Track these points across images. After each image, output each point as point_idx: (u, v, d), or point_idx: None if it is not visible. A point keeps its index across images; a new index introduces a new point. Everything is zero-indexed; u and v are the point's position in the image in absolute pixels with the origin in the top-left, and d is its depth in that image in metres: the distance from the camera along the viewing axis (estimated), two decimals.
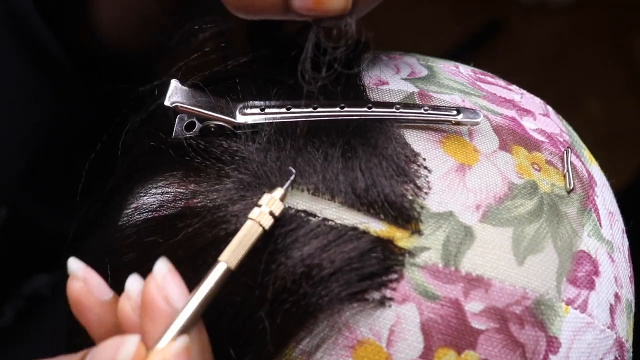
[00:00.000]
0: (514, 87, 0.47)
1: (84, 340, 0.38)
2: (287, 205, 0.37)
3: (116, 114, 0.44)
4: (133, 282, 0.34)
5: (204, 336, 0.34)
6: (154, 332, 0.33)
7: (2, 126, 0.54)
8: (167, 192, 0.40)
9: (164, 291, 0.33)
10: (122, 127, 0.44)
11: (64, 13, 0.54)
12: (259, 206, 0.35)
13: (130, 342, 0.32)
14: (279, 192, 0.36)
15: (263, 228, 0.35)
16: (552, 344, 0.37)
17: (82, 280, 0.35)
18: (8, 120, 0.54)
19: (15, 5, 0.52)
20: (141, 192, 0.42)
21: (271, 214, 0.35)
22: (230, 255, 0.33)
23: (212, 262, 0.34)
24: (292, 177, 0.37)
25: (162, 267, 0.34)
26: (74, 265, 0.36)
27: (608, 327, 0.39)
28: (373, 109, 0.40)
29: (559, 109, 0.48)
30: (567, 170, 0.42)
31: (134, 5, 0.53)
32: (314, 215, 0.37)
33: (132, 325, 0.34)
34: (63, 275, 0.37)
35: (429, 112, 0.40)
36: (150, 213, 0.40)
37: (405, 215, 0.37)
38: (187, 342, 0.32)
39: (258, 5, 0.36)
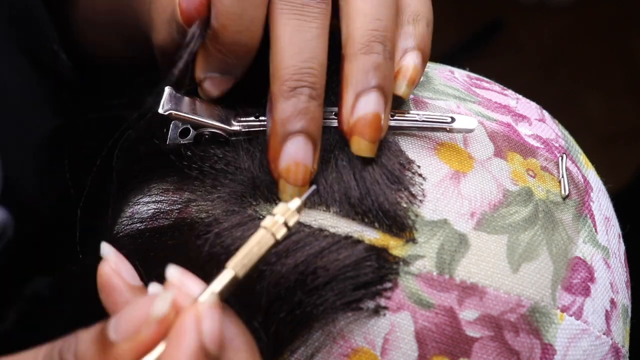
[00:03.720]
0: (509, 92, 0.47)
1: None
2: None
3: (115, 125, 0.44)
4: (173, 269, 0.34)
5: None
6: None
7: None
8: (161, 201, 0.40)
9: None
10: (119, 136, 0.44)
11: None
12: (273, 215, 0.33)
13: (164, 298, 0.31)
14: (295, 202, 0.34)
15: (275, 238, 0.33)
16: (547, 351, 0.37)
17: (114, 263, 0.35)
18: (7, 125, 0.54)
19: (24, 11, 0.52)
20: (135, 200, 0.42)
21: (285, 224, 0.33)
22: (239, 263, 0.32)
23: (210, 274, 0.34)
24: (312, 189, 0.36)
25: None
26: (106, 249, 0.36)
27: (604, 334, 0.39)
28: None
29: (558, 109, 0.48)
30: (562, 177, 0.42)
31: (114, 26, 0.54)
32: (309, 226, 0.37)
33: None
34: (64, 277, 0.36)
35: (423, 119, 0.40)
36: (144, 222, 0.40)
37: (399, 224, 0.37)
38: (217, 298, 0.31)
39: None
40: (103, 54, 0.57)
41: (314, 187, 0.36)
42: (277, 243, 0.33)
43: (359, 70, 0.37)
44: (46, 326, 0.66)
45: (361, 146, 0.37)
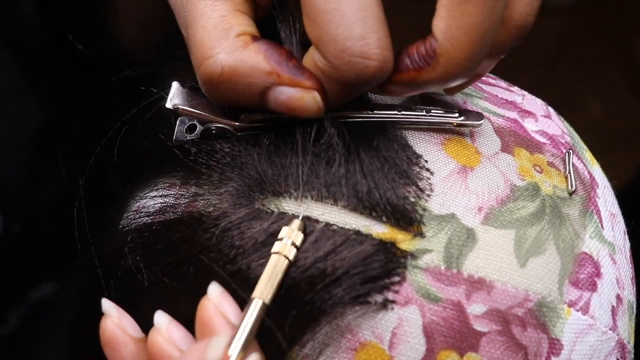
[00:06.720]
0: (515, 88, 0.47)
1: (85, 345, 0.38)
2: (290, 213, 0.37)
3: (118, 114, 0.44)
4: (160, 316, 0.35)
5: None
6: None
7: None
8: (167, 195, 0.40)
9: (221, 309, 0.34)
10: (124, 129, 0.44)
11: (88, 26, 0.53)
12: (280, 239, 0.35)
13: (219, 341, 0.32)
14: (296, 223, 0.36)
15: (288, 260, 0.35)
16: (554, 346, 0.37)
17: (116, 317, 0.36)
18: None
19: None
20: (142, 195, 0.42)
21: (293, 244, 0.35)
22: (263, 291, 0.34)
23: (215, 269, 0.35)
24: (304, 207, 0.37)
25: (216, 289, 0.35)
26: (107, 304, 0.37)
27: (610, 329, 0.39)
28: (375, 112, 0.40)
29: (559, 109, 0.48)
30: (569, 172, 0.42)
31: (152, 21, 0.53)
32: (317, 221, 0.37)
33: (167, 355, 0.34)
34: (70, 278, 0.37)
35: (430, 114, 0.40)
36: (150, 216, 0.40)
37: (407, 218, 0.37)
38: None
39: (238, 93, 0.36)
40: (141, 47, 0.56)
41: (302, 212, 0.37)
42: (292, 263, 0.35)
43: None
44: (47, 330, 0.66)
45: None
